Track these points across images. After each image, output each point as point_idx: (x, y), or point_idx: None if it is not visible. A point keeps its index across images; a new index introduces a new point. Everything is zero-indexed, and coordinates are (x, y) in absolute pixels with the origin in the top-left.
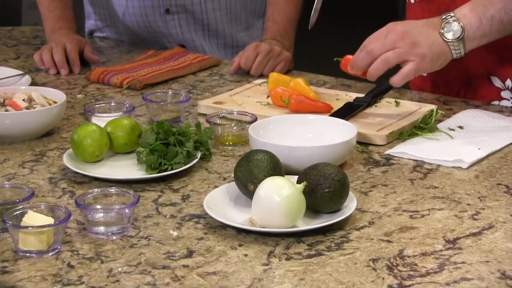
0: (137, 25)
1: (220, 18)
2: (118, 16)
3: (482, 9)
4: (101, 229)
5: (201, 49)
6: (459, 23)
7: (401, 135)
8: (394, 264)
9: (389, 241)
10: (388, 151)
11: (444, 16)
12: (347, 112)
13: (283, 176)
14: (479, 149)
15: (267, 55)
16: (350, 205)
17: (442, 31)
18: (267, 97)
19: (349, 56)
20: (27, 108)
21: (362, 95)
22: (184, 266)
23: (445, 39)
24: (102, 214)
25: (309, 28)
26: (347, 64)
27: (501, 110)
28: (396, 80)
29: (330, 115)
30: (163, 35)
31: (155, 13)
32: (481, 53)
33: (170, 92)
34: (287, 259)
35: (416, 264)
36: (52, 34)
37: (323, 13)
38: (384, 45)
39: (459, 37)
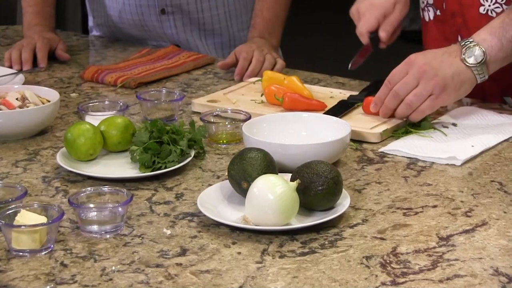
0: (133, 23)
1: (217, 17)
2: (114, 15)
3: (502, 31)
4: (95, 227)
5: (196, 50)
6: (480, 48)
7: (395, 133)
8: (388, 261)
9: (382, 239)
10: (382, 149)
11: (463, 43)
12: (341, 110)
13: (277, 174)
14: (472, 146)
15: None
16: (344, 202)
17: (464, 56)
18: (261, 95)
19: (370, 98)
20: (20, 107)
21: (356, 93)
22: (177, 264)
23: (468, 65)
24: (95, 213)
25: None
26: (368, 106)
27: (494, 108)
28: (414, 117)
29: (324, 113)
30: (158, 35)
31: (151, 13)
32: (495, 73)
33: (164, 91)
34: (280, 257)
35: (409, 261)
36: (28, 30)
37: (318, 11)
38: (407, 85)
39: (481, 61)
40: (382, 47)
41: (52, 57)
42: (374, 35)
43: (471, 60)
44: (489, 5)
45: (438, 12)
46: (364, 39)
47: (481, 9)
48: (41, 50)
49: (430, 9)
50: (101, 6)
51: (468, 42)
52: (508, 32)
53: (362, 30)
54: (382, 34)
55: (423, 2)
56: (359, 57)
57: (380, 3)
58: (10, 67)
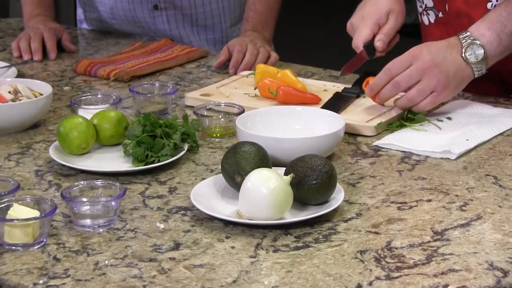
0: (126, 20)
1: (210, 13)
2: (106, 11)
3: (500, 26)
4: (88, 221)
5: (189, 45)
6: (480, 44)
7: (390, 126)
8: (382, 255)
9: (376, 233)
10: (376, 142)
11: (462, 37)
12: (339, 104)
13: (271, 168)
14: (467, 140)
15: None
16: (338, 196)
17: (465, 54)
18: (255, 88)
19: (371, 78)
20: (13, 100)
21: (349, 85)
22: (171, 258)
23: (469, 62)
24: (88, 207)
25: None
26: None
27: (489, 101)
28: (419, 109)
29: (322, 107)
30: (151, 30)
31: (143, 9)
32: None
33: (157, 84)
34: (274, 251)
35: (404, 256)
36: (29, 20)
37: (311, 4)
38: (410, 78)
39: (482, 58)
40: (379, 56)
41: (45, 51)
42: (369, 43)
43: (471, 58)
44: (497, 0)
45: (440, 14)
46: (359, 51)
47: (489, 5)
48: (50, 40)
49: (430, 12)
50: (93, 1)
51: (467, 37)
52: (506, 27)
53: (357, 42)
54: (378, 44)
55: (421, 7)
56: (350, 65)
57: (371, 13)
58: (19, 57)
